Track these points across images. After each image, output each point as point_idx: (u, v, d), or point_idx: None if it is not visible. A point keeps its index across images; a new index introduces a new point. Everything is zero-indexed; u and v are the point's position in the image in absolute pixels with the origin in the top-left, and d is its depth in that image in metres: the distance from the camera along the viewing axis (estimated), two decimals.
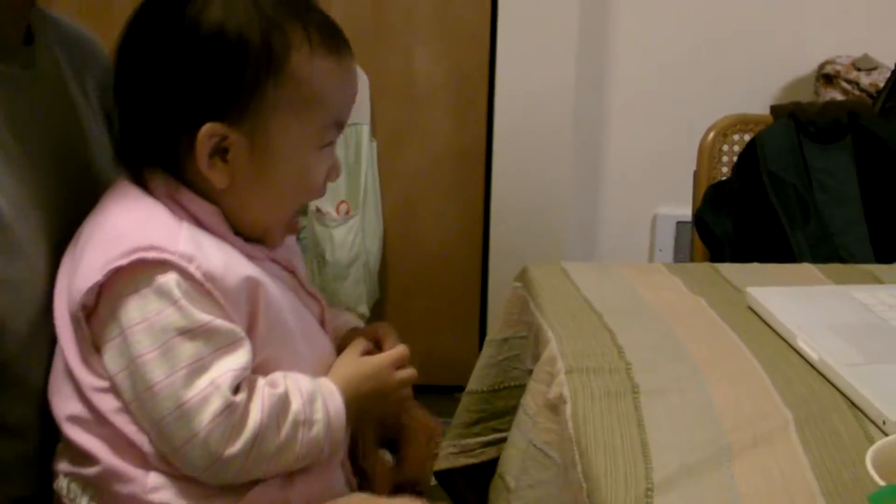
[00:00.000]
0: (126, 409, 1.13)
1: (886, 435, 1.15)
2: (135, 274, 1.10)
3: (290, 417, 1.15)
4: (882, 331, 1.40)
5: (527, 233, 3.22)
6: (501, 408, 1.67)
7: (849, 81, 3.05)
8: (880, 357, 1.32)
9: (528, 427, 1.36)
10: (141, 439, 1.13)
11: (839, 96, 3.03)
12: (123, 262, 1.09)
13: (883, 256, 1.96)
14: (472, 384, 1.69)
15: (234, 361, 1.12)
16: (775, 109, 2.31)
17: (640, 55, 3.34)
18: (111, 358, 1.12)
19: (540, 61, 3.11)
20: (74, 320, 1.13)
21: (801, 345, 1.36)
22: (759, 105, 3.25)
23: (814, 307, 1.48)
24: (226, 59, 1.12)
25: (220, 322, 1.11)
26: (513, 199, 3.21)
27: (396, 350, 1.30)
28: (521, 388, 1.65)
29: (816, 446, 1.14)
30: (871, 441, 1.15)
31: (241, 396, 1.12)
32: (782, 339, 1.42)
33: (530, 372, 1.53)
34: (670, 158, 3.39)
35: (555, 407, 1.29)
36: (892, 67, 3.05)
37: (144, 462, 1.13)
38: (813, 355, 1.33)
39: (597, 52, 3.30)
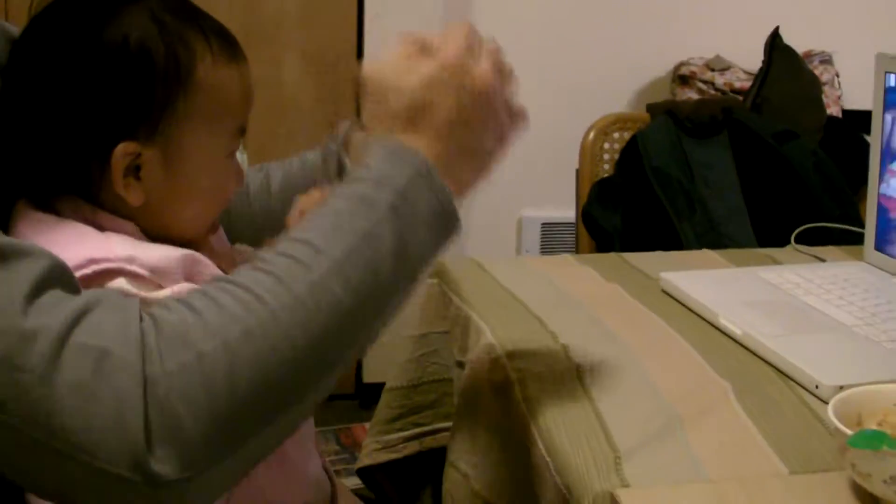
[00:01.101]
0: None
1: (820, 398, 1.24)
2: None
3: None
4: (793, 306, 1.49)
5: None
6: (421, 402, 1.71)
7: (704, 82, 3.19)
8: (798, 328, 1.41)
9: (473, 413, 1.41)
10: None
11: (695, 96, 3.16)
12: None
13: (765, 242, 2.06)
14: (392, 381, 1.73)
15: None
16: (651, 108, 2.41)
17: None
18: None
19: None
20: None
21: (723, 322, 1.45)
22: (615, 108, 3.37)
23: (727, 287, 1.56)
24: (133, 75, 1.09)
25: (176, 287, 1.05)
26: None
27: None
28: (440, 383, 1.70)
29: (758, 412, 1.22)
30: (806, 404, 1.24)
31: None
32: (701, 319, 1.50)
33: (460, 364, 1.58)
34: (534, 163, 3.49)
35: (502, 391, 1.34)
36: (743, 67, 3.22)
37: None
38: (736, 330, 1.42)
39: None
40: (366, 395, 3.23)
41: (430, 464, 1.74)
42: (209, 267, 1.14)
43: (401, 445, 1.72)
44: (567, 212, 3.51)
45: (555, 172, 3.52)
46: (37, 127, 1.11)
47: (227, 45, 1.15)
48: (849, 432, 0.97)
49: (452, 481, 1.41)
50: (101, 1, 1.11)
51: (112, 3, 1.11)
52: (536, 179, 3.52)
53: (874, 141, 1.64)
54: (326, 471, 1.32)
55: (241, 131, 1.18)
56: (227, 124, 1.15)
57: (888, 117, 1.61)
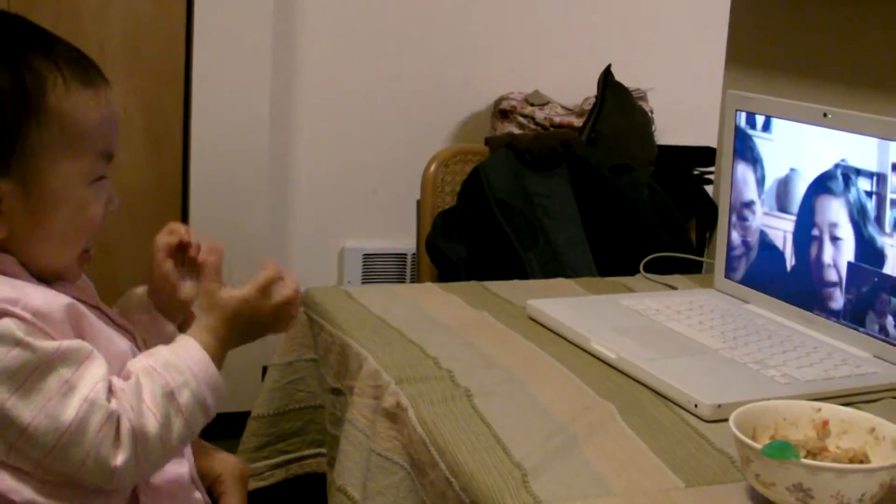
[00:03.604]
0: None
1: (699, 417, 1.32)
2: None
3: (157, 395, 1.12)
4: (659, 331, 1.58)
5: (224, 268, 3.25)
6: (287, 430, 1.73)
7: (524, 116, 3.29)
8: (670, 352, 1.50)
9: (362, 438, 1.43)
10: (15, 488, 1.10)
11: (516, 130, 3.26)
12: None
13: (605, 271, 2.15)
14: (258, 409, 1.74)
15: (97, 372, 1.10)
16: (490, 140, 2.48)
17: (326, 99, 3.47)
18: None
19: (235, 98, 3.16)
20: None
21: (596, 346, 1.52)
22: (438, 143, 3.46)
23: (593, 314, 1.64)
24: None
25: (67, 342, 1.10)
26: (209, 235, 3.24)
27: (261, 277, 1.26)
28: (306, 410, 1.72)
29: (645, 430, 1.29)
30: (686, 422, 1.32)
31: (113, 403, 1.10)
32: (571, 344, 1.57)
33: (335, 391, 1.60)
34: (353, 196, 3.54)
35: (393, 415, 1.38)
36: (561, 102, 3.34)
37: None
38: (610, 355, 1.49)
39: (286, 92, 3.40)
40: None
41: (295, 490, 1.76)
42: (92, 320, 1.17)
43: (267, 473, 1.74)
44: (388, 242, 3.60)
45: (376, 204, 3.58)
46: None
47: (82, 69, 1.17)
48: (756, 445, 1.04)
49: None
50: None
51: None
52: (357, 211, 3.57)
53: (723, 177, 1.74)
54: None
55: (107, 157, 1.19)
56: (87, 151, 1.16)
57: (738, 160, 1.72)
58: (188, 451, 1.30)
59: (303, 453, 1.74)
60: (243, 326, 1.24)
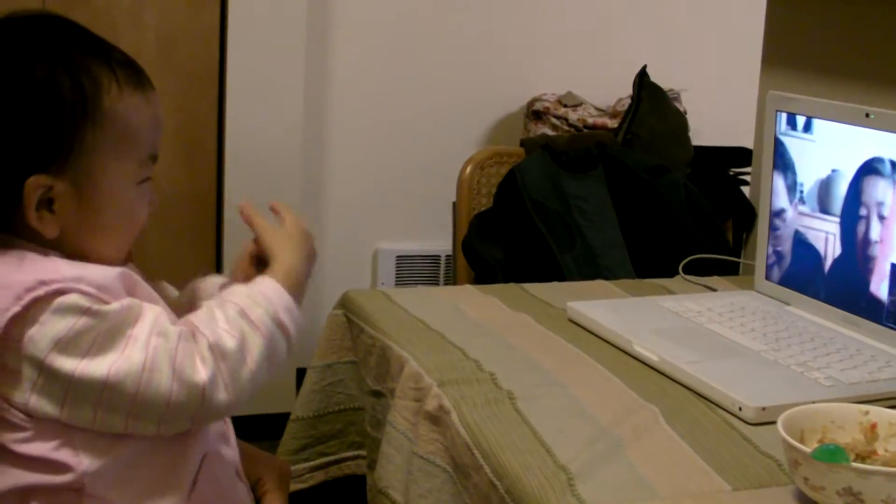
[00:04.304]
0: (66, 442, 1.13)
1: (743, 420, 1.32)
2: (33, 314, 1.09)
3: (230, 315, 1.17)
4: (701, 333, 1.57)
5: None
6: (327, 432, 1.73)
7: (557, 117, 3.29)
8: (712, 355, 1.49)
9: (404, 441, 1.43)
10: (78, 462, 1.13)
11: (549, 132, 3.26)
12: (18, 308, 1.09)
13: (641, 273, 2.15)
14: (298, 411, 1.74)
15: (152, 312, 1.15)
16: (526, 142, 2.48)
17: (359, 101, 3.48)
18: (42, 401, 1.11)
19: (268, 102, 3.18)
20: None
21: (639, 349, 1.51)
22: (470, 144, 3.46)
23: (634, 316, 1.63)
24: (41, 109, 1.13)
25: (124, 301, 1.13)
26: (244, 238, 3.25)
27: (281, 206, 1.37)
28: (345, 413, 1.72)
29: (688, 433, 1.29)
30: (731, 426, 1.32)
31: (179, 327, 1.14)
32: (611, 346, 1.57)
33: (376, 393, 1.61)
34: (389, 198, 3.55)
35: (436, 418, 1.38)
36: (594, 103, 3.34)
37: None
38: (653, 357, 1.49)
39: (320, 96, 3.41)
40: None
41: (334, 493, 1.77)
42: (141, 283, 1.20)
43: (307, 475, 1.74)
44: (421, 244, 3.60)
45: (409, 206, 3.59)
46: None
47: (134, 74, 1.20)
48: (806, 449, 1.04)
49: None
50: (6, 39, 1.16)
51: (17, 41, 1.16)
52: (391, 213, 3.58)
53: (763, 178, 1.73)
54: None
55: (153, 159, 1.22)
56: (137, 153, 1.19)
57: (778, 158, 1.71)
58: (236, 447, 1.32)
59: (342, 455, 1.74)
60: (300, 249, 1.30)
